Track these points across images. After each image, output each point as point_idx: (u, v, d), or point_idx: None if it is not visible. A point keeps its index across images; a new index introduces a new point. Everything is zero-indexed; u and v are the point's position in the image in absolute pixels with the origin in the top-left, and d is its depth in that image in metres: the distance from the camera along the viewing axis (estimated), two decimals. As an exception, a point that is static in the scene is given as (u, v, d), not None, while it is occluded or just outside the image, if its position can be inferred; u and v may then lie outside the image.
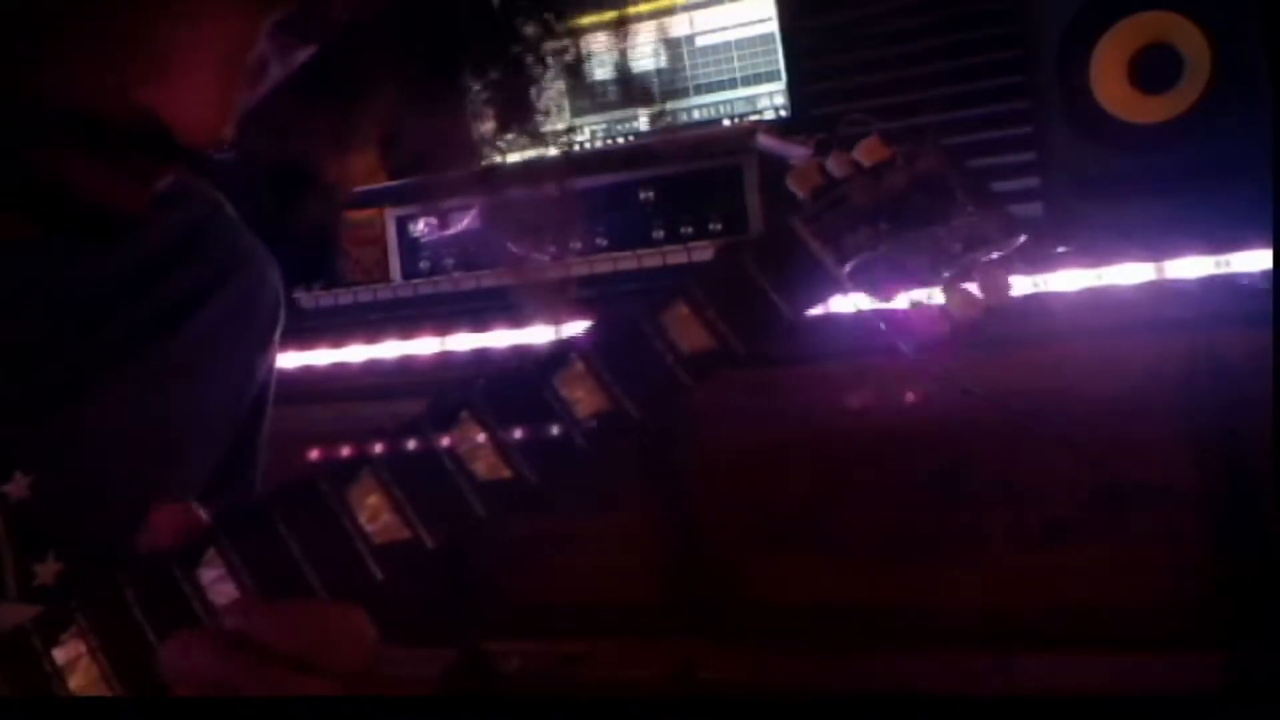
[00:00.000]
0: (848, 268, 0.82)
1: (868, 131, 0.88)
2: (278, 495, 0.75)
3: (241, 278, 1.01)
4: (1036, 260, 1.62)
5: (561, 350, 0.78)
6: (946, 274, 0.84)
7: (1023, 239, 0.85)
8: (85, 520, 0.85)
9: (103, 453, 0.88)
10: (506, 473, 0.76)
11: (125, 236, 0.90)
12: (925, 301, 0.85)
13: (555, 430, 0.77)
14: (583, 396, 0.77)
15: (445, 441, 0.76)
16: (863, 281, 0.82)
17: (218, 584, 0.73)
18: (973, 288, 0.84)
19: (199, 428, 0.97)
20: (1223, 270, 1.54)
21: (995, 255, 0.84)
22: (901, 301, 0.85)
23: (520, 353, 1.89)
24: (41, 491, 0.83)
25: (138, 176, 0.77)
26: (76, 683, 0.72)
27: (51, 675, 0.72)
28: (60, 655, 0.72)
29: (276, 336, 1.07)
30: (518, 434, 0.76)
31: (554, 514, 1.89)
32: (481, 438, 0.76)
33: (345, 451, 0.77)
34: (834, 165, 0.86)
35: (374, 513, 0.75)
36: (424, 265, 2.18)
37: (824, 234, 0.82)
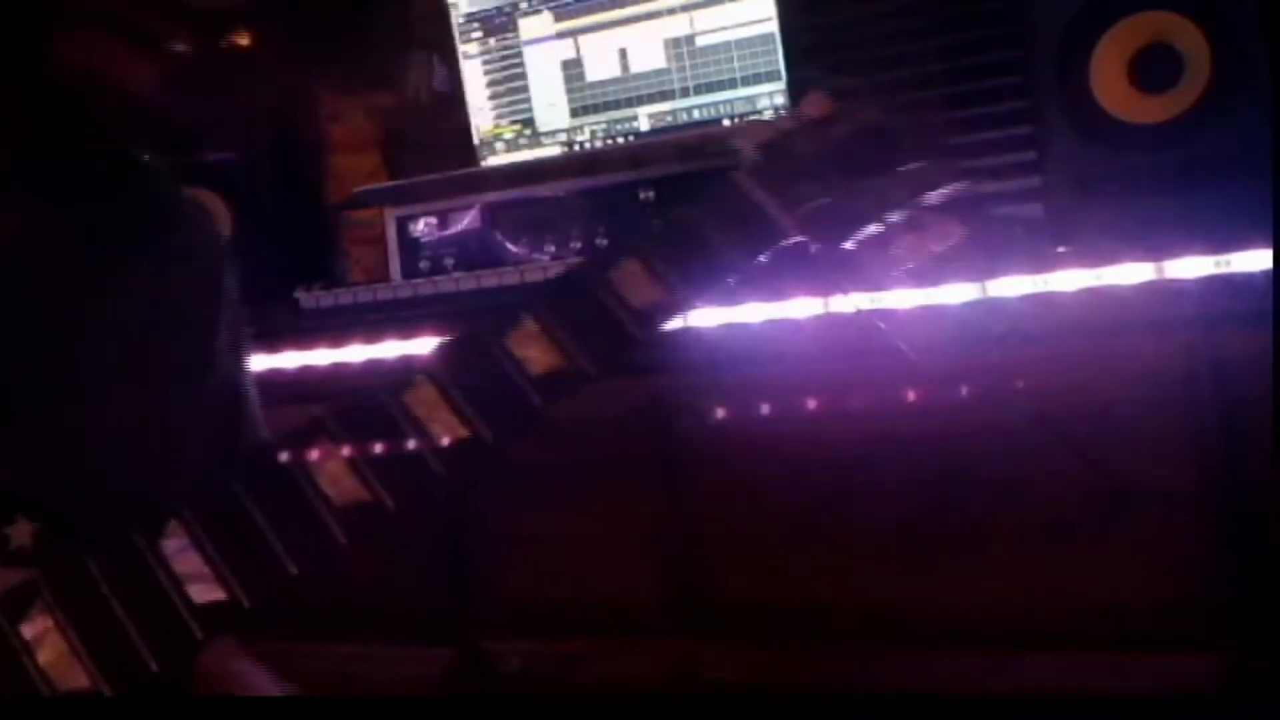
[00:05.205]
0: (796, 216, 0.85)
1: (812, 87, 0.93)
2: (239, 468, 0.76)
3: (177, 226, 1.02)
4: (1036, 260, 1.62)
5: (512, 311, 0.80)
6: (895, 219, 0.87)
7: (964, 185, 0.89)
8: (52, 481, 0.85)
9: (56, 415, 0.88)
10: (464, 432, 0.77)
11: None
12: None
13: (508, 388, 0.78)
14: (535, 355, 0.79)
15: (399, 405, 0.77)
16: (812, 228, 0.85)
17: (180, 555, 0.73)
18: (917, 234, 0.88)
19: (149, 377, 0.96)
20: (1222, 270, 1.54)
21: (941, 200, 0.88)
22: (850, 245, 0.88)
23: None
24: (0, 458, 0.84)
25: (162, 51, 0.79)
26: (45, 657, 0.72)
27: (20, 650, 0.72)
28: (28, 630, 0.72)
29: (225, 271, 1.06)
30: (471, 394, 0.78)
31: (553, 514, 1.89)
32: (436, 399, 0.77)
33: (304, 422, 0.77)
34: (781, 120, 0.92)
35: (334, 478, 0.75)
36: (424, 265, 2.18)
37: (770, 185, 0.85)
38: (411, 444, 0.76)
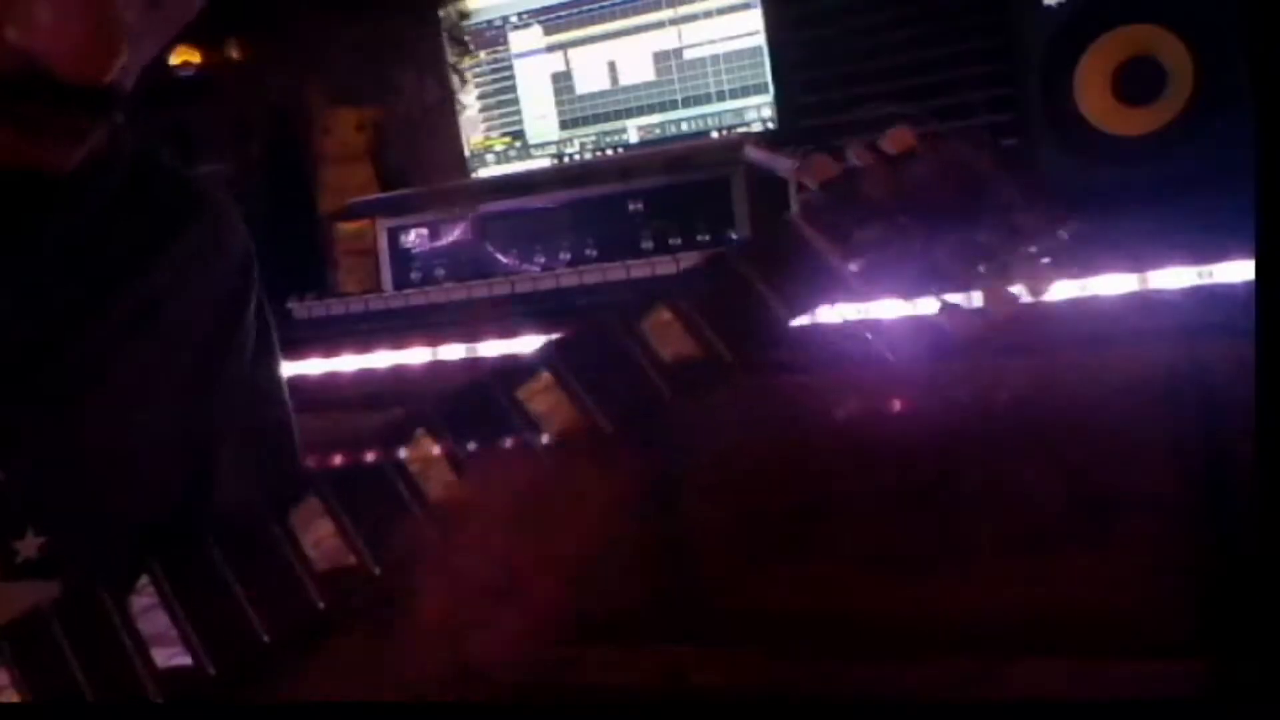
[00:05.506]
0: (856, 266, 0.74)
1: (894, 121, 0.81)
2: (216, 525, 0.71)
3: (190, 230, 0.97)
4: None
5: (528, 361, 0.72)
6: (981, 270, 0.77)
7: (1068, 232, 0.78)
8: (59, 492, 0.83)
9: (68, 425, 0.86)
10: (462, 494, 0.70)
11: (59, 205, 0.88)
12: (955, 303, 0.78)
13: (517, 448, 0.70)
14: (549, 411, 0.71)
15: (397, 461, 0.71)
16: (875, 280, 0.75)
17: (149, 613, 0.69)
18: (1009, 285, 0.78)
19: (168, 386, 0.93)
20: (1205, 281, 1.55)
21: (1035, 250, 0.78)
22: (918, 302, 0.78)
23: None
24: (13, 474, 0.81)
25: (59, 134, 0.74)
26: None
27: None
28: None
29: (253, 282, 1.02)
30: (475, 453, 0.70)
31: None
32: (437, 456, 0.70)
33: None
34: (853, 155, 0.79)
35: (318, 538, 0.69)
36: (415, 276, 2.19)
37: (831, 229, 0.74)
38: (403, 509, 0.70)
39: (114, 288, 0.91)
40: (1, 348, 0.85)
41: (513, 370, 0.72)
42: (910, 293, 0.77)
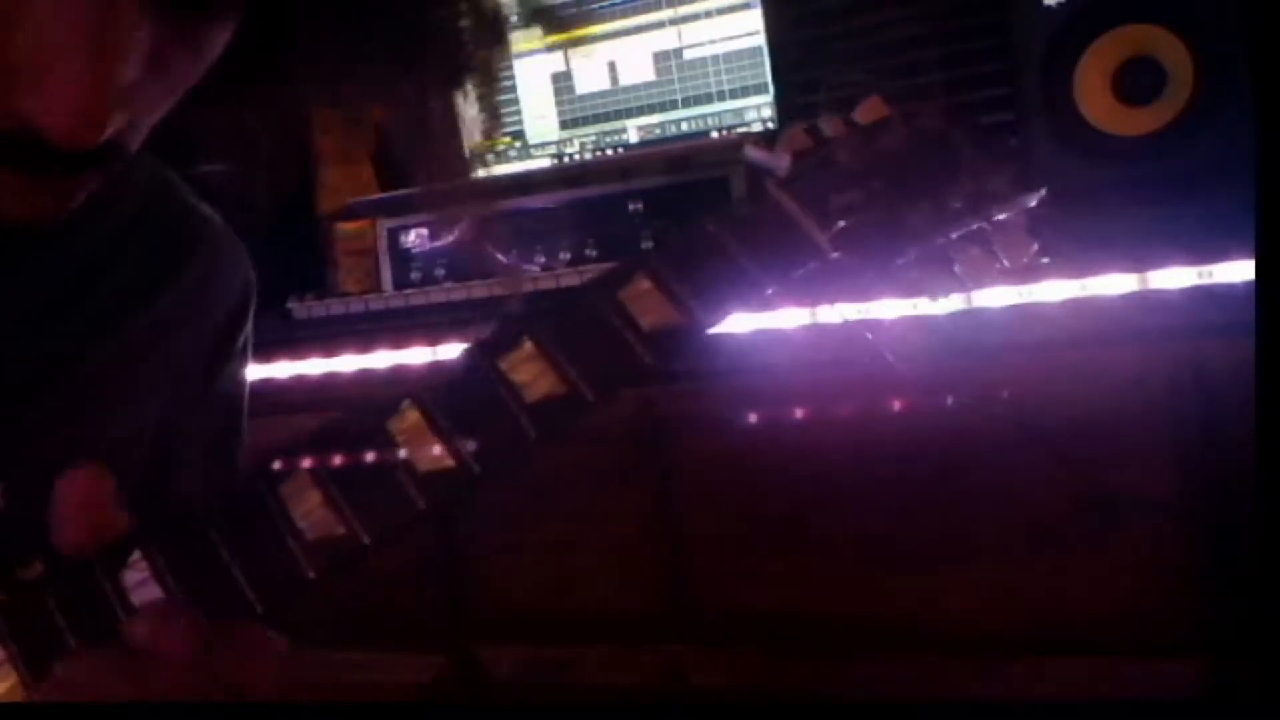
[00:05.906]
0: (832, 232, 0.75)
1: (867, 92, 0.83)
2: (208, 497, 0.71)
3: (197, 262, 0.97)
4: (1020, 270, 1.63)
5: (510, 331, 0.73)
6: (954, 236, 0.78)
7: (1040, 194, 0.80)
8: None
9: (70, 455, 0.86)
10: (449, 463, 0.70)
11: (60, 239, 0.86)
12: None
13: (501, 416, 0.71)
14: (532, 379, 0.72)
15: (384, 432, 0.71)
16: (851, 246, 0.76)
17: (142, 588, 0.68)
18: (983, 250, 0.80)
19: (162, 422, 0.94)
20: (1205, 281, 1.55)
21: (1008, 214, 0.79)
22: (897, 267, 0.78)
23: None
24: (16, 499, 0.81)
25: (49, 190, 0.72)
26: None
27: None
28: None
29: (249, 314, 1.03)
30: (461, 422, 0.71)
31: (543, 521, 1.90)
32: (423, 427, 0.71)
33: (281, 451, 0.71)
34: (826, 126, 0.81)
35: (308, 510, 0.70)
36: (415, 276, 2.19)
37: (805, 197, 0.76)
38: (393, 474, 0.70)
39: (120, 317, 0.91)
40: (4, 375, 0.85)
41: (495, 340, 0.73)
42: (885, 258, 0.77)
